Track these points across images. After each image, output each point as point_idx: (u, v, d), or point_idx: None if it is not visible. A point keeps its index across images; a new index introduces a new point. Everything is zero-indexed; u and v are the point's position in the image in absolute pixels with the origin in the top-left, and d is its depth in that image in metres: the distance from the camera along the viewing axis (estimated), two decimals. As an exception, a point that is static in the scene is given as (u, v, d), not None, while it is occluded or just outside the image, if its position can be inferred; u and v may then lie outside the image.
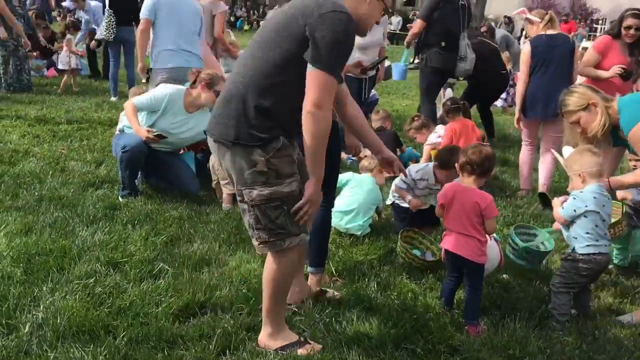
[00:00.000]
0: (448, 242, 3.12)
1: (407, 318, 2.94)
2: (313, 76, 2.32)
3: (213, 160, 4.57)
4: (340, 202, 4.16)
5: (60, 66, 10.06)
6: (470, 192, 3.08)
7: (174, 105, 4.60)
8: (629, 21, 5.11)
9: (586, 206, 3.03)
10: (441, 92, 7.65)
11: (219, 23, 6.74)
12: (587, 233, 3.04)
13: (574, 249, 3.09)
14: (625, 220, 3.59)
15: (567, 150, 3.46)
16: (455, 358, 2.69)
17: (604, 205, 3.06)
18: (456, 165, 3.22)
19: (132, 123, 4.52)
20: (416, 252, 3.75)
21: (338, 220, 4.09)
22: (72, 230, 3.84)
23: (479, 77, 7.06)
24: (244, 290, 3.13)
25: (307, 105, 2.33)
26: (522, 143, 5.60)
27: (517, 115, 5.39)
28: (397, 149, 5.92)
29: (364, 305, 3.09)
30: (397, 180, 4.18)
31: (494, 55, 7.48)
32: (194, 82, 4.65)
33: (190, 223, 4.11)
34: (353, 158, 5.46)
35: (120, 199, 4.52)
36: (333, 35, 2.29)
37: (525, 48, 5.35)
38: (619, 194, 3.97)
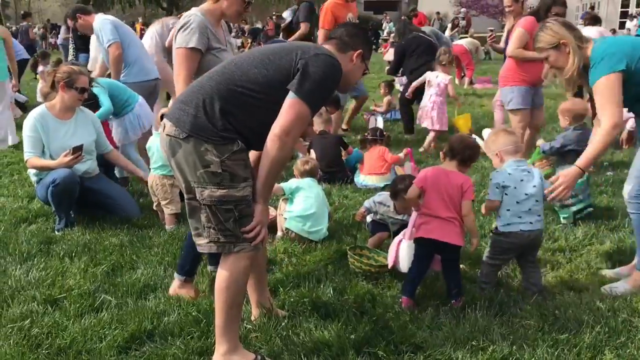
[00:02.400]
0: (431, 231, 3.05)
1: (366, 321, 2.84)
2: (292, 104, 2.38)
3: (151, 181, 4.36)
4: (297, 207, 4.07)
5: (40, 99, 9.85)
6: (454, 175, 3.11)
7: (48, 121, 4.35)
8: (557, 9, 5.33)
9: (503, 181, 3.08)
10: (371, 119, 7.66)
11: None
12: (508, 210, 3.10)
13: (496, 227, 3.17)
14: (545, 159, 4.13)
15: (486, 133, 3.50)
16: (418, 356, 2.60)
17: (521, 180, 3.08)
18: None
19: (47, 164, 4.29)
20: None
21: (301, 225, 4.01)
22: (4, 270, 3.57)
23: (414, 72, 7.09)
24: (193, 313, 2.97)
25: (277, 129, 2.36)
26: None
27: None
28: (343, 152, 5.83)
29: (320, 312, 2.97)
30: (366, 202, 4.06)
31: (431, 49, 7.48)
32: (52, 84, 4.40)
33: (132, 249, 3.90)
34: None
35: (56, 232, 4.26)
36: (323, 75, 2.41)
37: None
38: (538, 142, 4.40)
